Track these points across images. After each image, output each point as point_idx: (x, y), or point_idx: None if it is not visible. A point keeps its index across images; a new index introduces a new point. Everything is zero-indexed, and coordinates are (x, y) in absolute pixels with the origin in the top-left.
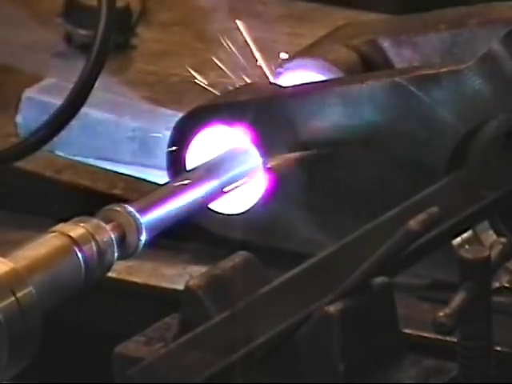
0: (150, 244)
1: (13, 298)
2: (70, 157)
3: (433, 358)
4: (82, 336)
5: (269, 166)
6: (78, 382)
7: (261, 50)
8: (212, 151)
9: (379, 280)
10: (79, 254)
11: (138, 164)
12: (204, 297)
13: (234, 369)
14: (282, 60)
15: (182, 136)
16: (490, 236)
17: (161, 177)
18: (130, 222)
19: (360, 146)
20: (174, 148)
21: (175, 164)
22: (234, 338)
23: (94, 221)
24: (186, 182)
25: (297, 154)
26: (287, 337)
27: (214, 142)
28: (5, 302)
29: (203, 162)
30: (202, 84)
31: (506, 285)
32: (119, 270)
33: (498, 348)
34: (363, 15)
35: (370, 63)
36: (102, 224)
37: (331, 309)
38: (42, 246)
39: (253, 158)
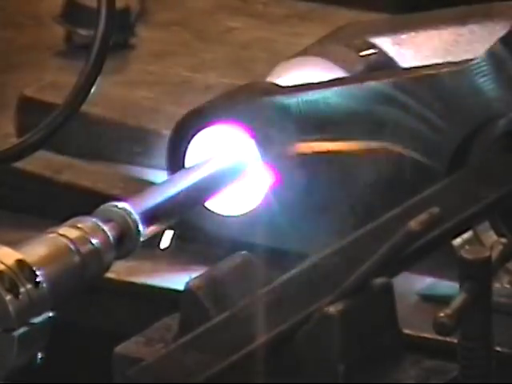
0: (148, 242)
1: (23, 289)
2: (70, 157)
3: (433, 359)
4: (82, 336)
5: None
6: (78, 382)
7: (261, 50)
8: (212, 151)
9: (379, 280)
10: (77, 255)
11: (138, 164)
12: (204, 297)
13: (234, 369)
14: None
15: (181, 136)
16: (491, 236)
17: (161, 177)
18: (127, 221)
19: (360, 146)
20: (173, 148)
21: (175, 164)
22: (234, 338)
23: (92, 221)
24: (184, 179)
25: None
26: (287, 337)
27: (213, 141)
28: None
29: (202, 160)
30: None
31: (507, 285)
32: (119, 271)
33: (498, 348)
34: (363, 15)
35: (370, 63)
36: (100, 223)
37: (331, 309)
38: (41, 246)
39: (252, 158)
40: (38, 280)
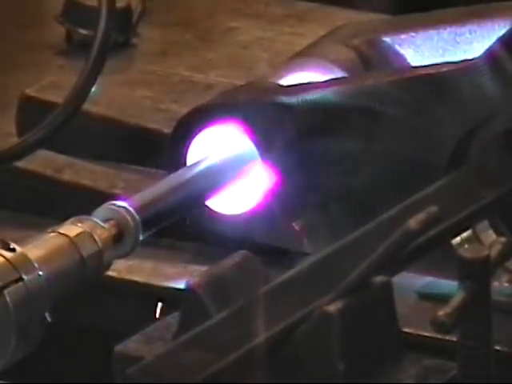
0: (149, 241)
1: (21, 282)
2: (71, 156)
3: (432, 358)
4: (82, 336)
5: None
6: (78, 382)
7: (261, 50)
8: (212, 151)
9: (379, 279)
10: (78, 254)
11: (138, 163)
12: (204, 296)
13: (234, 367)
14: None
15: (182, 136)
16: (490, 235)
17: (162, 176)
18: (127, 220)
19: (360, 146)
20: (174, 148)
21: (175, 163)
22: (233, 336)
23: (92, 219)
24: (183, 178)
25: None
26: (287, 335)
27: (213, 141)
28: (13, 286)
29: (202, 159)
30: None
31: (506, 284)
32: (119, 269)
33: (498, 347)
34: (363, 15)
35: (369, 63)
36: (100, 222)
37: (331, 308)
38: (41, 245)
39: (252, 157)
40: (11, 247)
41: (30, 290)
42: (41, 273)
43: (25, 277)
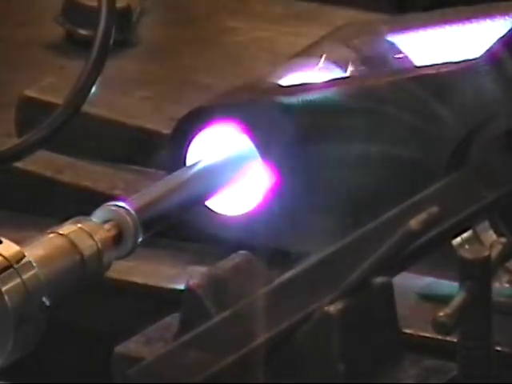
0: (148, 242)
1: (19, 280)
2: (71, 157)
3: (433, 358)
4: (82, 336)
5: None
6: (78, 382)
7: (261, 50)
8: (212, 151)
9: (379, 280)
10: (78, 254)
11: (138, 164)
12: (204, 296)
13: (234, 368)
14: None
15: (182, 136)
16: (490, 236)
17: (161, 177)
18: (126, 221)
19: (360, 146)
20: (174, 148)
21: (175, 164)
22: (234, 337)
23: (92, 220)
24: (183, 178)
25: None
26: (287, 337)
27: (213, 141)
28: (11, 284)
29: (202, 159)
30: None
31: (506, 285)
32: (119, 270)
33: (498, 348)
34: (363, 15)
35: (369, 63)
36: (99, 223)
37: (331, 309)
38: (41, 246)
39: (252, 157)
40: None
41: (29, 287)
42: (35, 264)
43: (16, 265)
